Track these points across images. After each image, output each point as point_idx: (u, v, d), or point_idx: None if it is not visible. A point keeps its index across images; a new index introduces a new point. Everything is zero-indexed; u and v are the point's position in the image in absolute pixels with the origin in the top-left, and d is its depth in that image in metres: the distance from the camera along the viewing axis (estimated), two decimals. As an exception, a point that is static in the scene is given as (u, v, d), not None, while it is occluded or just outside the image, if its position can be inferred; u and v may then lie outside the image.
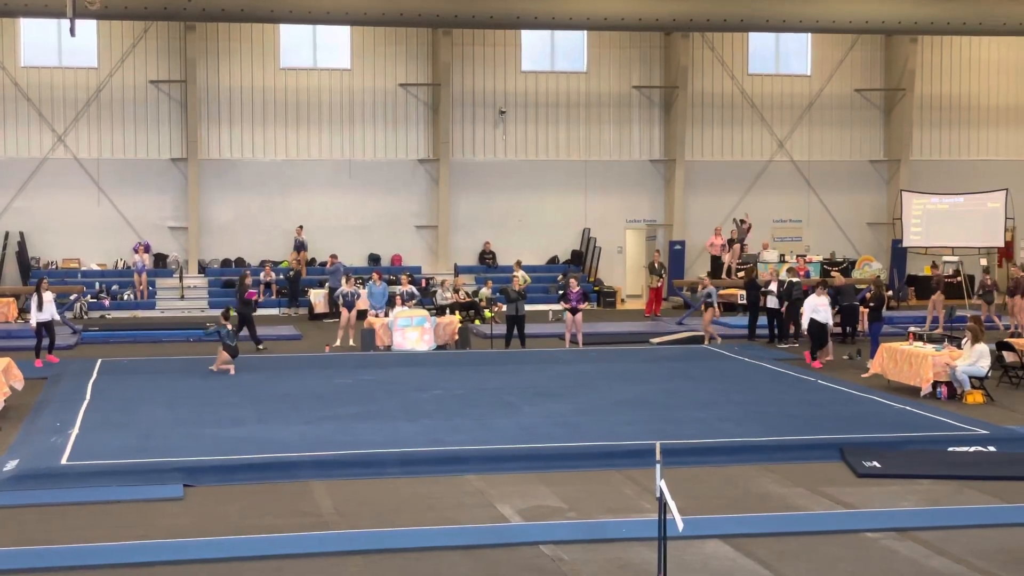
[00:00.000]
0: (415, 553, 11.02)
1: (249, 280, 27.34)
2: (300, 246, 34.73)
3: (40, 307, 23.04)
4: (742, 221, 36.01)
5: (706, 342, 26.88)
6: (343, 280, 27.65)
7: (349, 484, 13.61)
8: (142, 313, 32.88)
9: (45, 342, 23.36)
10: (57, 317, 24.27)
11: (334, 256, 33.04)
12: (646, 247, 37.29)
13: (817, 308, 23.36)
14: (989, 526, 11.99)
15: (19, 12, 31.63)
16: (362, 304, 27.77)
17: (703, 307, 27.67)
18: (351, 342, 26.42)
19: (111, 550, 11.07)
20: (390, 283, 31.16)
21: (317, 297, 32.51)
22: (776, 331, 27.09)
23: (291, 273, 33.62)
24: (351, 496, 13.10)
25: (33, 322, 23.28)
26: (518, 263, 32.79)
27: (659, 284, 32.87)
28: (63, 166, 34.64)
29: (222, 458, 14.32)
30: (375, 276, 28.16)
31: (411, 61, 36.31)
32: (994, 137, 39.55)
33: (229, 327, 21.99)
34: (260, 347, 25.69)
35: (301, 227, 34.95)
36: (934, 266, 31.94)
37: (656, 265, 33.08)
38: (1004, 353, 20.97)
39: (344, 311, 26.64)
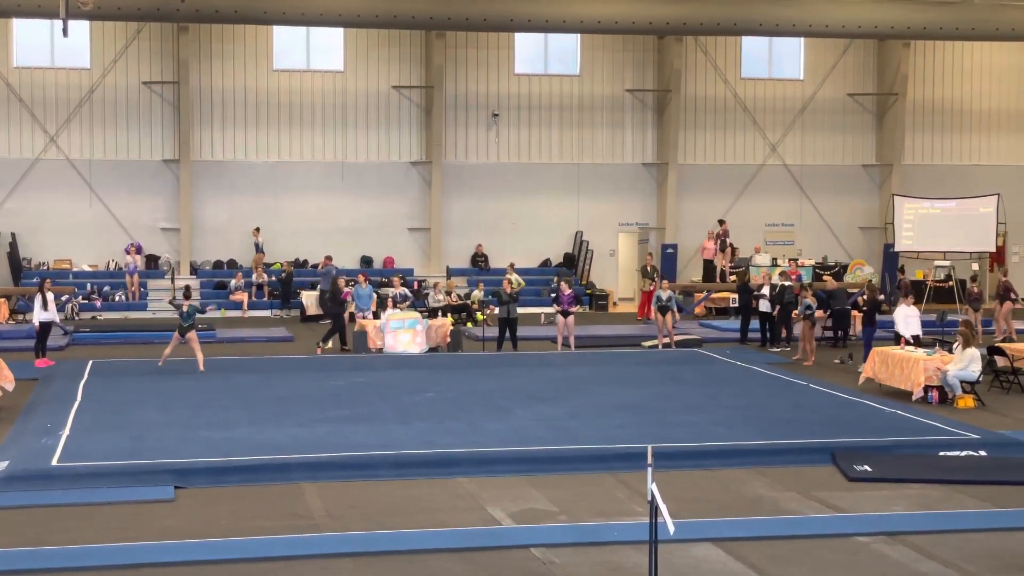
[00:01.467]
0: (406, 555, 11.02)
1: (342, 281, 27.55)
2: (257, 248, 34.72)
3: (45, 307, 23.16)
4: (721, 222, 36.15)
5: (650, 345, 26.87)
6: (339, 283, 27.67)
7: (340, 486, 13.61)
8: (133, 314, 32.82)
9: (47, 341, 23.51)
10: (57, 318, 24.34)
11: (328, 257, 32.98)
12: (638, 250, 37.30)
13: (908, 320, 22.17)
14: (980, 530, 12.01)
15: (11, 12, 31.59)
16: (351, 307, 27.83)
17: (657, 310, 26.75)
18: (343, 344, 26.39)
19: (102, 551, 11.06)
20: (381, 285, 31.13)
21: (310, 299, 32.47)
22: (768, 335, 27.13)
23: (283, 275, 33.59)
24: (342, 498, 13.09)
25: (37, 322, 23.34)
26: (511, 265, 32.80)
27: (652, 287, 32.86)
28: (55, 167, 34.59)
29: (213, 460, 14.31)
30: (361, 278, 28.14)
31: (404, 63, 36.31)
32: (986, 142, 39.64)
33: (185, 307, 21.98)
34: (345, 347, 25.89)
35: (258, 229, 34.90)
36: (901, 271, 31.97)
37: (648, 268, 33.09)
38: (995, 358, 21.00)
39: (338, 313, 26.65)
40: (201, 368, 21.76)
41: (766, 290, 27.15)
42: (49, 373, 21.76)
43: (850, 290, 30.62)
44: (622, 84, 37.49)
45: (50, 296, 23.51)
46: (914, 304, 23.14)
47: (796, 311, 25.69)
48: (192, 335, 21.95)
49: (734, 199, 38.03)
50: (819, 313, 28.61)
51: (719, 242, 35.69)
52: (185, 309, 21.96)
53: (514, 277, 29.34)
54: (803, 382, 21.03)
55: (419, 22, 32.81)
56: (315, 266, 34.34)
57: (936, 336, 23.26)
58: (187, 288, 24.62)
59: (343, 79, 36.06)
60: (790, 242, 38.30)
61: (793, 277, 31.39)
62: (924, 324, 29.15)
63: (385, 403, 18.50)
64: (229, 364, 23.28)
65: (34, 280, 32.23)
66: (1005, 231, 36.71)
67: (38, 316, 23.33)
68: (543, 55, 37.28)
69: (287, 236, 35.65)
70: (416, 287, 33.52)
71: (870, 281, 31.46)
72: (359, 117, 36.18)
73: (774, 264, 34.90)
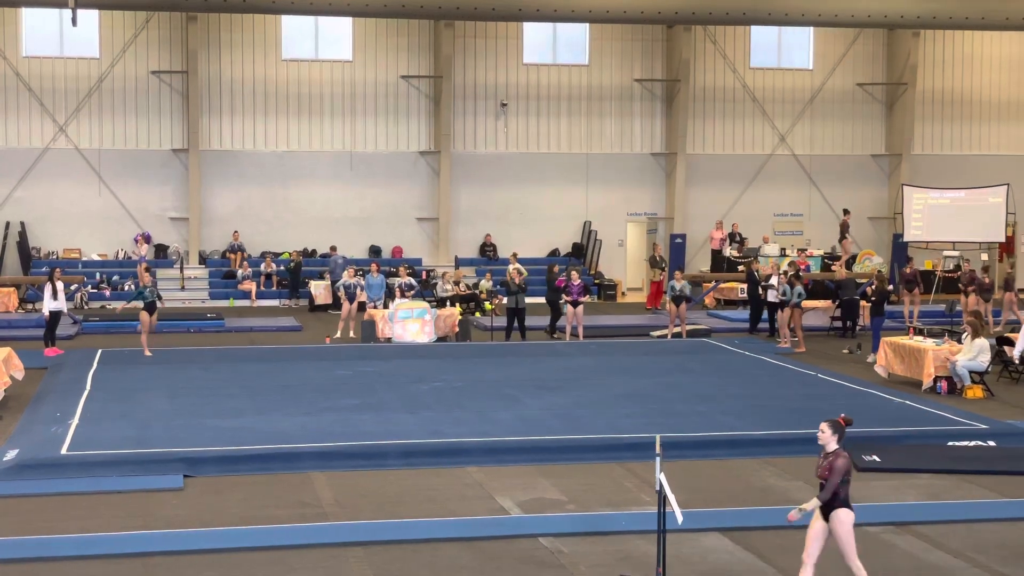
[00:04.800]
0: (415, 544, 11.05)
1: (556, 269, 27.83)
2: (239, 248, 34.75)
3: (55, 296, 23.25)
4: (846, 211, 36.06)
5: (660, 334, 26.87)
6: (345, 272, 27.71)
7: (349, 475, 13.64)
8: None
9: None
10: (65, 307, 24.42)
11: (333, 248, 33.02)
12: (647, 240, 37.28)
13: None
14: (988, 520, 12.02)
15: (21, 2, 31.63)
16: (362, 296, 27.85)
17: (671, 299, 26.66)
18: (351, 334, 26.43)
19: (111, 540, 11.09)
20: (388, 275, 31.17)
21: (317, 289, 32.52)
22: (776, 325, 27.07)
23: (292, 265, 33.62)
24: (351, 487, 13.12)
25: (46, 311, 23.40)
26: (514, 255, 32.78)
27: (660, 277, 32.86)
28: (64, 156, 34.63)
29: (222, 449, 14.35)
30: (373, 267, 28.17)
31: (413, 53, 36.29)
32: (995, 132, 39.54)
33: (149, 286, 23.07)
34: (555, 336, 26.24)
35: (236, 232, 34.97)
36: (908, 259, 31.93)
37: (657, 258, 33.08)
38: (1004, 348, 20.97)
39: (345, 302, 26.68)
40: (147, 352, 22.67)
41: (774, 280, 27.09)
42: (58, 362, 21.82)
43: (859, 280, 30.57)
44: (631, 74, 37.43)
45: (60, 285, 23.57)
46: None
47: (784, 298, 25.58)
48: (152, 317, 22.94)
49: (743, 189, 37.99)
50: (827, 303, 28.66)
51: (841, 233, 35.42)
52: (149, 287, 23.07)
53: (512, 267, 29.34)
54: (811, 372, 21.02)
55: (427, 11, 32.76)
56: (325, 255, 34.37)
57: (945, 326, 23.23)
58: (145, 267, 25.26)
59: (351, 69, 36.05)
60: (799, 232, 38.23)
61: (802, 267, 31.35)
62: (933, 315, 29.27)
63: (393, 392, 18.53)
64: (238, 353, 23.32)
65: (43, 269, 32.32)
66: (1014, 221, 36.63)
67: (47, 306, 23.38)
68: (552, 45, 37.23)
69: (296, 226, 35.68)
70: (424, 277, 33.54)
71: (879, 271, 31.42)
72: (367, 107, 36.17)
73: (783, 254, 34.86)
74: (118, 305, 24.61)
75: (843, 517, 9.16)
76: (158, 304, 23.39)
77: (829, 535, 9.23)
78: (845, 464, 9.15)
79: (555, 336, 26.43)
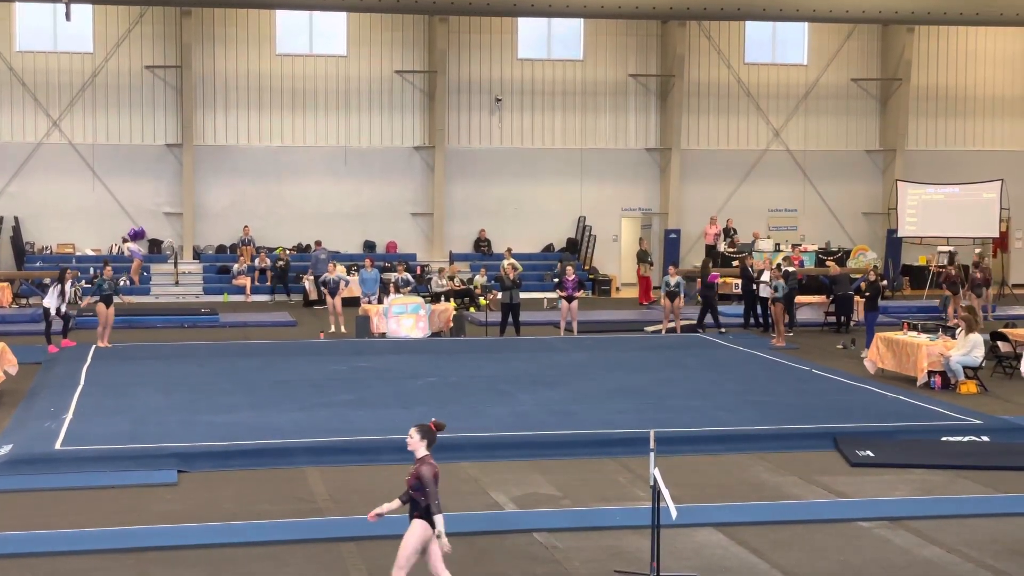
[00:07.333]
0: (409, 540, 11.03)
1: (710, 265, 27.80)
2: (249, 242, 34.71)
3: (62, 295, 23.33)
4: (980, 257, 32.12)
5: (654, 329, 26.87)
6: (328, 267, 27.73)
7: (343, 471, 13.64)
8: (135, 299, 32.78)
9: (56, 327, 23.79)
10: (55, 305, 24.42)
11: (318, 242, 33.00)
12: (641, 235, 37.26)
13: None
14: (982, 516, 12.04)
15: (14, -4, 31.56)
16: (356, 291, 27.85)
17: (665, 295, 26.67)
18: (343, 328, 26.41)
19: (105, 535, 11.09)
20: (383, 270, 31.17)
21: (311, 284, 32.50)
22: (769, 320, 27.10)
23: (280, 263, 33.51)
24: (345, 483, 13.12)
25: (52, 307, 23.40)
26: (508, 251, 32.77)
27: (648, 272, 32.91)
28: (58, 151, 34.55)
29: (216, 444, 14.35)
30: (367, 262, 28.14)
31: (407, 48, 36.23)
32: (990, 127, 39.54)
33: (108, 279, 23.45)
34: (723, 330, 26.39)
35: (247, 227, 34.96)
36: (951, 261, 31.61)
37: (642, 252, 33.13)
38: (998, 343, 21.00)
39: (328, 298, 26.71)
40: (104, 343, 23.04)
41: (767, 276, 27.10)
42: (52, 357, 21.79)
43: (853, 276, 30.59)
44: (625, 69, 37.41)
45: (67, 286, 23.71)
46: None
47: (773, 293, 25.63)
48: (111, 309, 23.34)
49: (737, 184, 37.99)
50: (822, 299, 28.69)
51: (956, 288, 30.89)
52: (98, 280, 23.39)
53: (507, 263, 29.31)
54: (805, 367, 21.03)
55: (422, 6, 32.71)
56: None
57: (939, 322, 23.25)
58: (104, 262, 25.52)
59: (346, 64, 36.00)
60: (793, 227, 38.26)
61: (796, 263, 31.38)
62: (926, 310, 29.30)
63: (388, 388, 18.53)
64: (232, 348, 23.31)
65: (37, 264, 32.38)
66: (1008, 216, 36.68)
67: (53, 304, 23.43)
68: (546, 40, 37.19)
69: (290, 221, 35.61)
70: (419, 272, 33.52)
71: (874, 267, 31.42)
72: (362, 102, 36.11)
73: (777, 250, 34.87)
74: (83, 300, 24.78)
75: (415, 528, 8.78)
76: (115, 299, 23.63)
77: (430, 540, 8.79)
78: (430, 472, 8.77)
79: (723, 330, 26.42)
